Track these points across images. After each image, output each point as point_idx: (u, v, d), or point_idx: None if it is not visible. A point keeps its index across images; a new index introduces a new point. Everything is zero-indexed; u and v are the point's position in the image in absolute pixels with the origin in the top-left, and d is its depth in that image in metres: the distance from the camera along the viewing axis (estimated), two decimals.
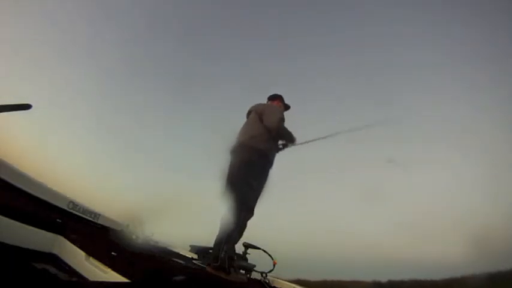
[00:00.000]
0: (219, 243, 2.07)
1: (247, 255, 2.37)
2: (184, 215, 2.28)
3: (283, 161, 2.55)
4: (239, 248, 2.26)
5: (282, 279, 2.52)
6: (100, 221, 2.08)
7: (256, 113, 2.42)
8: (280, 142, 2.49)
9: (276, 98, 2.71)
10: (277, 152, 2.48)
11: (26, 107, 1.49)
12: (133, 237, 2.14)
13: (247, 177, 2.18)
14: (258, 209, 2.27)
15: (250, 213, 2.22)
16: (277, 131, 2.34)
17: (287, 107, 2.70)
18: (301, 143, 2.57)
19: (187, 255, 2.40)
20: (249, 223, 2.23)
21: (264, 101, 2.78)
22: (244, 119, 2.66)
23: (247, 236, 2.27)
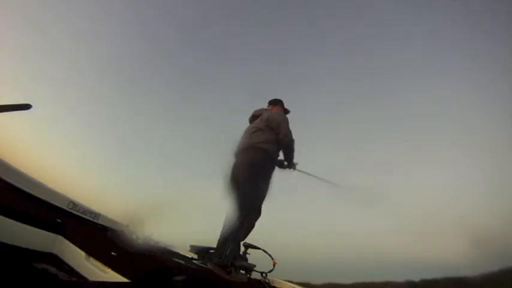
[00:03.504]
0: (224, 241, 2.10)
1: (247, 255, 2.37)
2: (184, 214, 2.28)
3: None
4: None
5: (283, 279, 2.52)
6: (100, 221, 2.08)
7: (266, 120, 2.47)
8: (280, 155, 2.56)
9: (277, 103, 2.76)
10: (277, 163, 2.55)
11: (26, 107, 1.50)
12: (134, 237, 2.14)
13: (254, 177, 2.23)
14: (264, 210, 2.29)
15: (257, 213, 2.25)
16: (288, 143, 2.44)
17: (287, 112, 2.76)
18: (294, 169, 2.64)
19: (187, 255, 2.40)
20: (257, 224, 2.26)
21: (265, 103, 2.82)
22: (246, 122, 2.71)
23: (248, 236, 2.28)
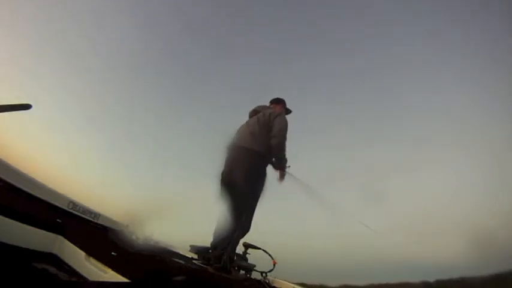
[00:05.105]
0: (219, 243, 2.09)
1: (247, 255, 2.37)
2: (184, 214, 2.28)
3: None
4: (239, 248, 2.27)
5: (283, 280, 2.52)
6: (100, 221, 2.08)
7: (263, 118, 2.42)
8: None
9: (279, 102, 2.72)
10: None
11: (26, 107, 1.50)
12: (134, 237, 2.14)
13: (247, 179, 2.19)
14: (264, 210, 2.28)
15: (251, 215, 2.23)
16: (278, 142, 2.32)
17: (288, 112, 2.73)
18: (285, 171, 2.47)
19: (187, 255, 2.40)
20: (253, 224, 2.24)
21: (266, 103, 2.80)
22: (246, 118, 2.67)
23: (247, 236, 2.28)
